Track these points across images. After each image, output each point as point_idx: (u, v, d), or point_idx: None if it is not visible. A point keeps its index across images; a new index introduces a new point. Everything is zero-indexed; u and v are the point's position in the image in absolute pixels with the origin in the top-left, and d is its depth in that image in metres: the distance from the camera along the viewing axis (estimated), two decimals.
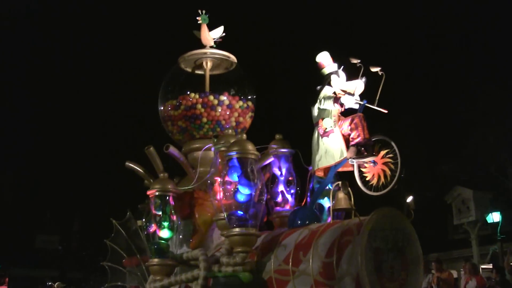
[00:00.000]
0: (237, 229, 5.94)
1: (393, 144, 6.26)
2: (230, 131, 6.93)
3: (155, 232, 6.66)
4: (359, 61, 6.47)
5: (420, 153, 24.06)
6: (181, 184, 7.24)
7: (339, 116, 6.60)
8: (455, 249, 26.87)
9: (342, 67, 6.75)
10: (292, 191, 7.15)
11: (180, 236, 7.04)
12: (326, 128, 6.55)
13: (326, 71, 6.76)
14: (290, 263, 5.83)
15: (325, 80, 6.69)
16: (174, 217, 6.71)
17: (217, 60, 8.23)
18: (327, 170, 6.65)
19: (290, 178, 7.17)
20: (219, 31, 8.20)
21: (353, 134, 6.39)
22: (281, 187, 7.13)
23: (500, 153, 26.44)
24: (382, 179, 6.31)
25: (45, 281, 23.94)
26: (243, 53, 8.53)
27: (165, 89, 8.23)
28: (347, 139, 6.46)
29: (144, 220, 6.98)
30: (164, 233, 6.64)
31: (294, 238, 6.05)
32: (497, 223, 23.44)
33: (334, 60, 6.80)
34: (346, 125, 6.45)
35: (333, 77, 6.65)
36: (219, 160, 6.47)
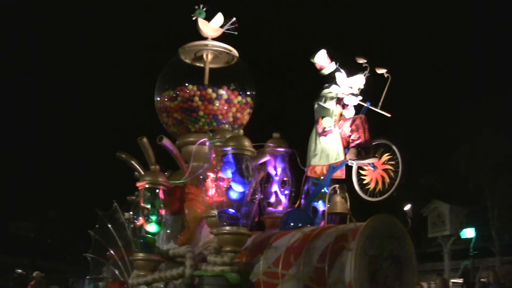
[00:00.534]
0: (227, 228, 5.73)
1: (395, 149, 6.04)
2: (226, 126, 6.73)
3: (142, 225, 6.50)
4: (365, 61, 6.26)
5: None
6: (172, 178, 7.05)
7: (340, 116, 6.40)
8: (427, 262, 26.94)
9: (338, 64, 6.54)
10: (286, 192, 7.01)
11: (168, 231, 6.86)
12: (325, 128, 6.36)
13: (326, 71, 6.53)
14: (280, 266, 5.65)
15: (332, 79, 6.47)
16: (163, 212, 6.58)
17: (218, 53, 8.01)
18: (319, 169, 6.43)
19: (285, 179, 7.02)
20: (218, 20, 7.95)
21: (353, 136, 6.20)
22: (275, 187, 6.98)
23: (479, 170, 26.90)
24: (380, 185, 6.10)
25: (14, 269, 23.45)
26: (245, 48, 8.32)
27: (163, 79, 8.02)
28: (346, 142, 6.25)
29: (131, 212, 6.76)
30: (152, 227, 6.49)
31: (286, 240, 5.86)
32: (471, 238, 23.94)
33: (335, 57, 6.59)
34: (347, 126, 6.26)
35: (337, 75, 6.42)
36: (214, 155, 6.27)
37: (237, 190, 5.75)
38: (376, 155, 6.14)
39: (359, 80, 6.30)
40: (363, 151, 6.21)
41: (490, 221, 27.57)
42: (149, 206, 6.47)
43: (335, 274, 5.26)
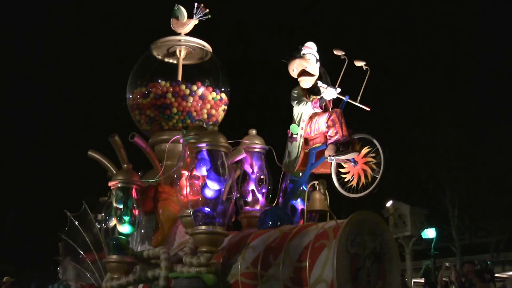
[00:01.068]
0: (203, 227, 5.49)
1: (376, 142, 5.88)
2: (201, 123, 6.51)
3: (115, 226, 6.25)
4: (343, 53, 6.09)
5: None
6: (145, 177, 6.82)
7: (315, 113, 6.26)
8: None
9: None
10: (263, 190, 6.81)
11: (142, 231, 6.61)
12: (292, 134, 6.25)
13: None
14: (259, 267, 5.45)
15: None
16: (136, 212, 6.32)
17: (192, 49, 7.80)
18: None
19: (262, 177, 6.81)
20: (183, 13, 7.78)
21: (330, 132, 6.06)
22: (252, 186, 6.78)
23: (439, 171, 28.14)
24: (363, 180, 5.93)
25: None
26: (219, 45, 8.13)
27: (135, 75, 7.79)
28: (324, 137, 6.11)
29: (103, 214, 6.52)
30: (125, 228, 6.25)
31: (264, 239, 5.67)
32: (432, 239, 24.58)
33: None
34: (323, 121, 6.12)
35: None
36: (188, 153, 6.07)
37: (212, 188, 5.51)
38: (356, 150, 5.98)
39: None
40: (342, 146, 6.05)
41: (451, 221, 28.44)
42: (121, 206, 6.23)
43: (316, 273, 5.06)
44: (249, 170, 6.79)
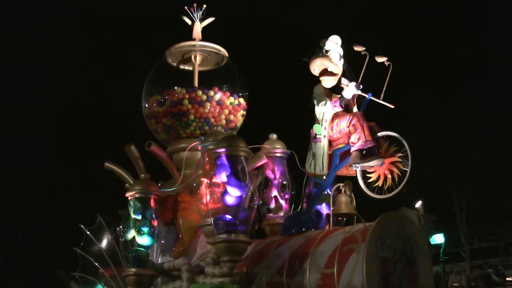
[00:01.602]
0: (224, 235, 5.28)
1: (403, 140, 5.63)
2: (219, 128, 6.33)
3: (133, 238, 6.07)
4: (364, 48, 5.87)
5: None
6: (164, 187, 6.68)
7: (337, 114, 6.04)
8: None
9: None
10: (286, 196, 6.67)
11: (162, 242, 6.48)
12: (316, 134, 6.08)
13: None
14: (285, 275, 5.31)
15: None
16: (155, 223, 6.15)
17: (207, 54, 7.63)
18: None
19: (284, 182, 6.66)
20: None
21: (352, 138, 5.82)
22: (274, 192, 6.64)
23: (446, 176, 27.97)
24: (389, 180, 5.68)
25: None
26: (236, 49, 7.97)
27: (150, 84, 7.66)
28: (348, 137, 5.88)
29: (121, 226, 6.34)
30: (144, 240, 6.08)
31: (289, 246, 5.54)
32: (440, 244, 24.67)
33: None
34: (344, 125, 5.88)
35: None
36: (206, 160, 5.91)
37: (233, 194, 5.30)
38: (381, 154, 5.74)
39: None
40: (366, 151, 5.82)
41: (459, 226, 28.25)
42: (140, 217, 6.06)
43: (345, 280, 4.88)
44: (271, 176, 6.64)
